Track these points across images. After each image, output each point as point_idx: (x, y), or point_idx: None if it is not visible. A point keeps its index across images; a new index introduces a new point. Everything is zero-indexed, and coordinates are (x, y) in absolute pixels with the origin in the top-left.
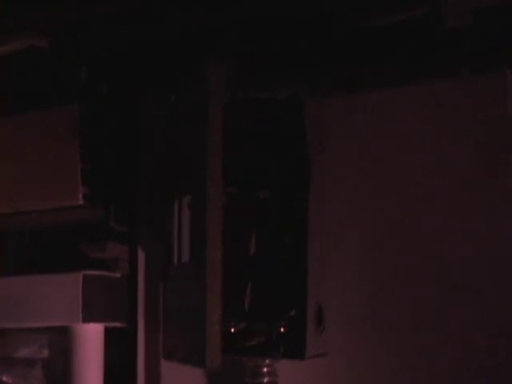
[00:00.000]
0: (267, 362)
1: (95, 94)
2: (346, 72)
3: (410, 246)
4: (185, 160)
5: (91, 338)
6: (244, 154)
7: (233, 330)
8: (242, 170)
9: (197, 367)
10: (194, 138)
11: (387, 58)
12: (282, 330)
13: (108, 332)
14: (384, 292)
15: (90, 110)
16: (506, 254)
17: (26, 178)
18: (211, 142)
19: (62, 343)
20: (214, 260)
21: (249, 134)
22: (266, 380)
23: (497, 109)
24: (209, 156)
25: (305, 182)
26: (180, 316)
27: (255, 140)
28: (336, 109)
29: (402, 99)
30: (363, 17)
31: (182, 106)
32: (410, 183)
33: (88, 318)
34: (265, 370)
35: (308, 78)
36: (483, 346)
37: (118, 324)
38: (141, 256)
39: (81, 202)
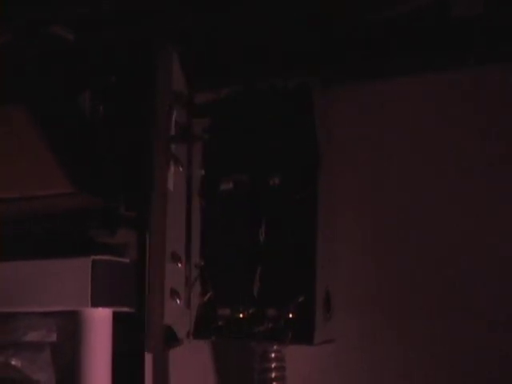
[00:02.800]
0: (275, 347)
1: (98, 83)
2: (353, 62)
3: (419, 232)
4: None
5: (100, 322)
6: (254, 141)
7: (241, 315)
8: (252, 158)
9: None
10: None
11: (392, 47)
12: (291, 315)
13: (116, 316)
14: (393, 278)
15: (95, 97)
16: None
17: (30, 164)
18: (154, 126)
19: (71, 327)
20: (157, 246)
21: (259, 122)
22: (273, 365)
23: (502, 99)
24: (152, 141)
25: (314, 169)
26: None
27: (265, 128)
28: (344, 98)
29: (406, 89)
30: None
31: None
32: (418, 170)
33: (97, 303)
34: (273, 355)
35: (316, 68)
36: (486, 332)
37: (126, 309)
38: None
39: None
